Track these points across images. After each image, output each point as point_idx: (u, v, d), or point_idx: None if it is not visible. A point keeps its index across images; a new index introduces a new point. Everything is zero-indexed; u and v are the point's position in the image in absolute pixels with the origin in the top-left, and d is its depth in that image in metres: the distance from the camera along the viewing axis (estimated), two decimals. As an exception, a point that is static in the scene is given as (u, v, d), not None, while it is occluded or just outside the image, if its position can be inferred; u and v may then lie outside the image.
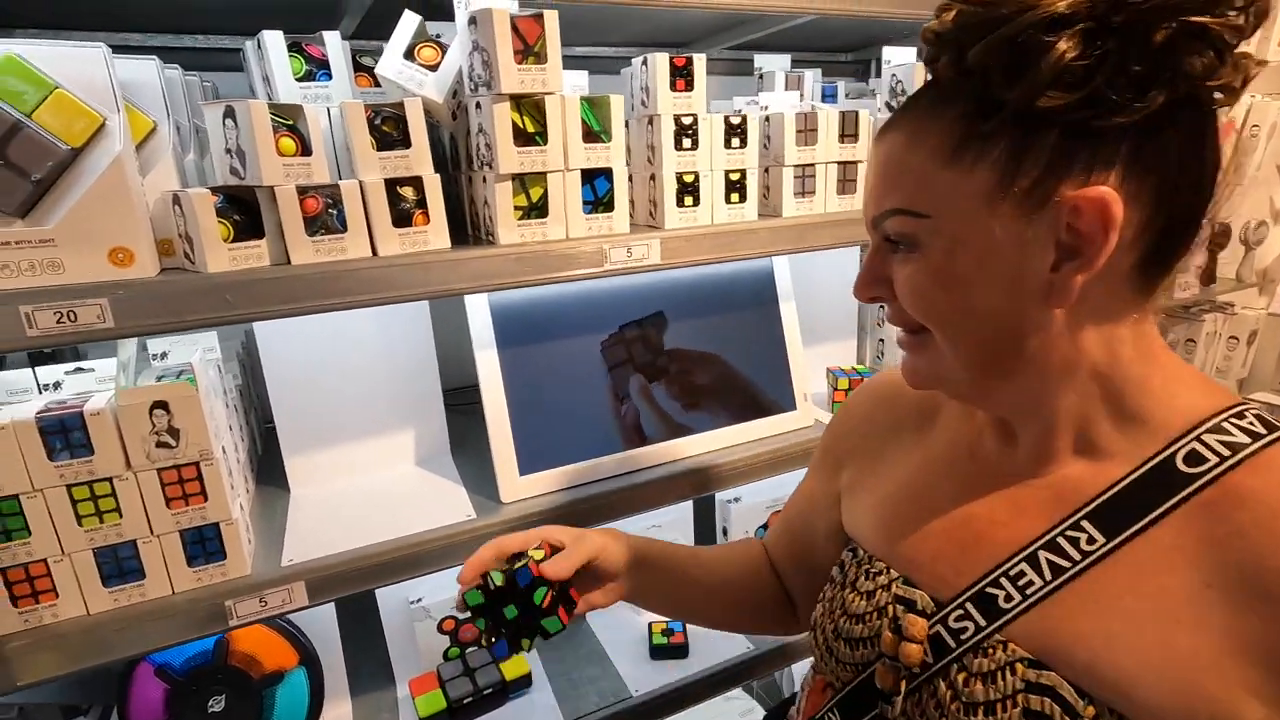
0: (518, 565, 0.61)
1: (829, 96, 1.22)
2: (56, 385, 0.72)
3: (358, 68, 0.87)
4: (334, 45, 0.80)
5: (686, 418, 1.03)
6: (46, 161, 0.64)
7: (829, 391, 1.20)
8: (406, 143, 0.77)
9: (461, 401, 1.11)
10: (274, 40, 0.77)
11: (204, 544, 0.74)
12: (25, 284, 0.64)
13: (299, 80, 0.79)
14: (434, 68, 0.78)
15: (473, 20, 0.74)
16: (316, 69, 0.81)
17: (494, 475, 0.91)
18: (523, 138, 0.77)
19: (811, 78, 1.13)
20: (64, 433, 0.66)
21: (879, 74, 1.59)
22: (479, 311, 0.91)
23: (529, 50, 0.74)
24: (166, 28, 1.03)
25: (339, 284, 0.72)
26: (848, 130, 1.00)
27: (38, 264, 0.64)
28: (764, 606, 0.75)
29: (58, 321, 0.62)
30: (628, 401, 1.00)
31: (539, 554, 0.62)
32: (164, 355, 0.83)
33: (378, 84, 0.88)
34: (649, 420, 1.01)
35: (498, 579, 0.60)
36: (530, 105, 0.77)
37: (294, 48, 0.79)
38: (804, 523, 0.71)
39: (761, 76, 1.21)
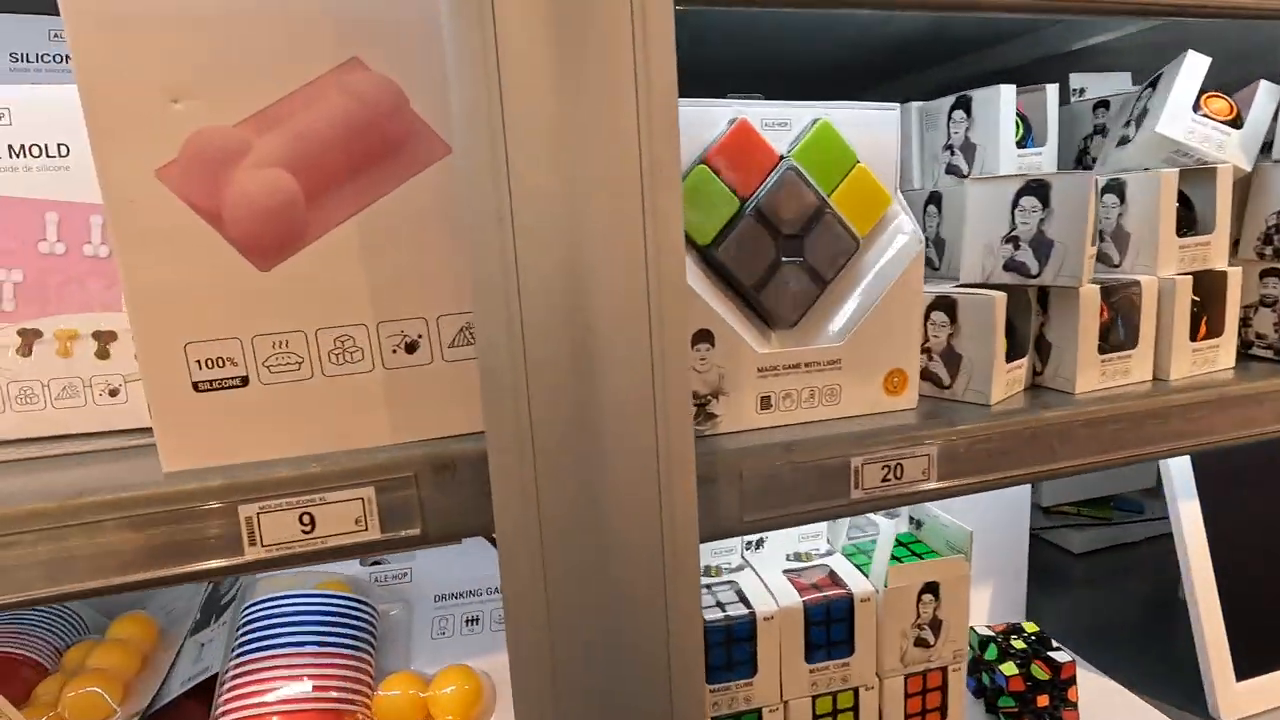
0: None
1: None
2: (759, 544, 0.55)
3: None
4: (1052, 101, 0.62)
5: None
6: (841, 258, 0.48)
7: None
8: (1198, 225, 0.55)
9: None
10: (1006, 97, 0.59)
11: (925, 778, 0.53)
12: (800, 418, 0.47)
13: (1018, 146, 0.61)
14: (1232, 123, 0.57)
15: (1356, 54, 0.53)
16: (1025, 132, 0.62)
17: (1191, 676, 0.65)
18: (1388, 216, 0.54)
19: None
20: (827, 624, 0.48)
21: None
22: (1176, 448, 0.67)
23: None
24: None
25: (1158, 426, 0.51)
26: None
27: (817, 392, 0.47)
28: None
29: (883, 479, 0.44)
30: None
31: None
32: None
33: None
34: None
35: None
36: (1393, 171, 0.54)
37: (997, 106, 0.61)
38: None
39: None
